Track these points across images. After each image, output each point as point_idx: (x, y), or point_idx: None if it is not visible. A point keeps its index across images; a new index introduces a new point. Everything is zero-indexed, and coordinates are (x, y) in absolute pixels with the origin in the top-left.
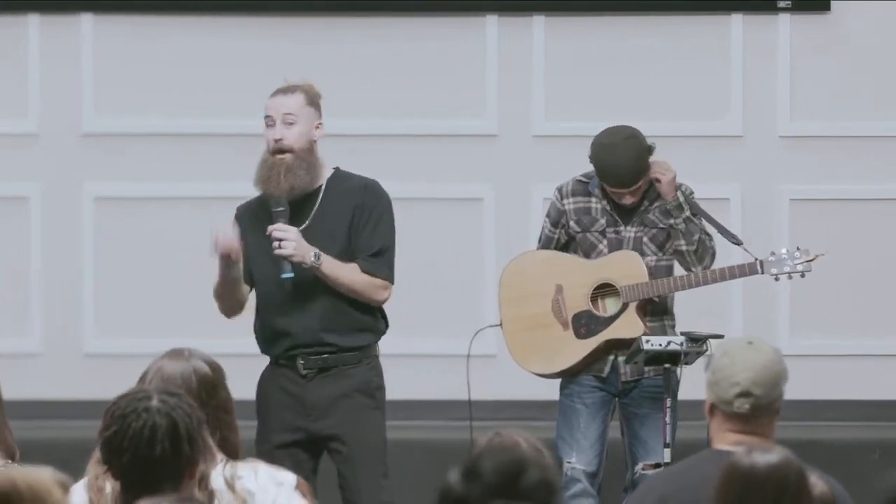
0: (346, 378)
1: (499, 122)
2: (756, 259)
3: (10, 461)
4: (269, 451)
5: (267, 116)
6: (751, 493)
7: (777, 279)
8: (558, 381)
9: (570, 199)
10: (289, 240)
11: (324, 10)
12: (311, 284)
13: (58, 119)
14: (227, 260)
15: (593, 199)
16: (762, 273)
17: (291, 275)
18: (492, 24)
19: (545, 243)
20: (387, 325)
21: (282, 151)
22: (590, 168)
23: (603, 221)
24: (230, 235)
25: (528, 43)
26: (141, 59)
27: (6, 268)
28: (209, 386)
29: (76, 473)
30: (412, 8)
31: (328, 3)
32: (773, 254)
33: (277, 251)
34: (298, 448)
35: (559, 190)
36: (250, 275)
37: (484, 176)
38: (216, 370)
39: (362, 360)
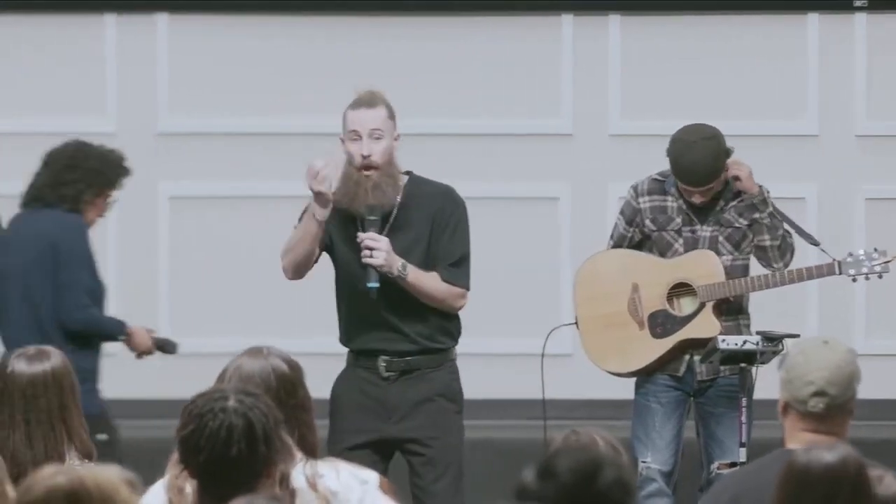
0: (427, 382)
1: (574, 121)
2: (833, 260)
3: (86, 461)
4: (341, 452)
5: (352, 131)
6: (804, 492)
7: (854, 280)
8: (633, 380)
9: (646, 198)
10: (380, 249)
11: (399, 10)
12: (395, 287)
13: (133, 118)
14: (321, 198)
15: (669, 198)
16: (839, 274)
17: (377, 285)
18: (567, 24)
19: (618, 241)
20: (461, 331)
21: (369, 168)
22: (666, 166)
23: (679, 220)
24: (329, 165)
25: (604, 42)
26: (216, 58)
27: None
28: (288, 384)
29: (154, 473)
30: (488, 7)
31: (404, 3)
32: (850, 254)
33: (367, 260)
34: (370, 450)
35: (634, 188)
36: (328, 245)
37: (560, 175)
38: (295, 368)
39: (443, 363)
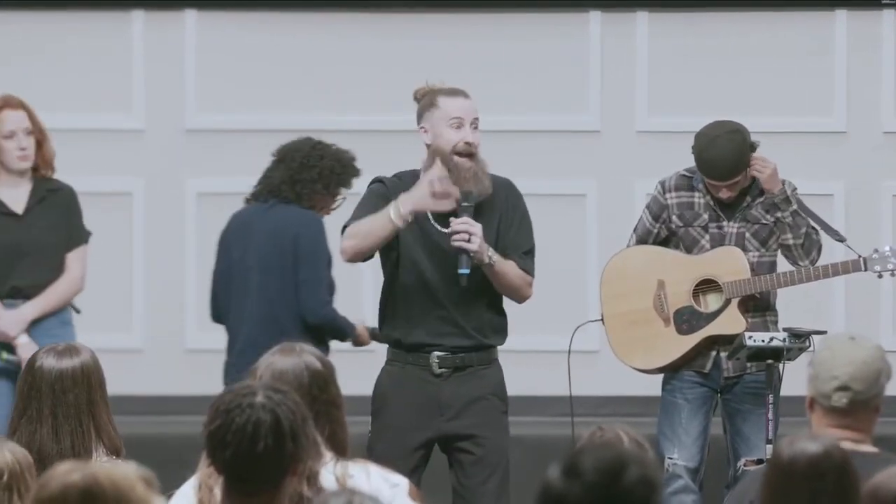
0: (480, 379)
1: (602, 117)
2: (859, 256)
3: (114, 457)
4: (400, 451)
5: (455, 118)
6: (790, 484)
7: (880, 276)
8: (659, 376)
9: (673, 194)
10: (476, 234)
11: (427, 7)
12: (457, 280)
13: (161, 115)
14: (440, 204)
15: (696, 195)
16: (865, 270)
17: (468, 271)
18: (595, 21)
19: (643, 236)
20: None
21: (471, 155)
22: (693, 163)
23: (706, 216)
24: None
25: (632, 39)
26: (243, 54)
27: (109, 263)
28: (321, 381)
29: (180, 468)
30: (516, 4)
31: (431, 0)
32: (876, 251)
33: (464, 245)
34: (426, 449)
35: (662, 184)
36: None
37: (587, 172)
38: (327, 366)
39: (493, 361)
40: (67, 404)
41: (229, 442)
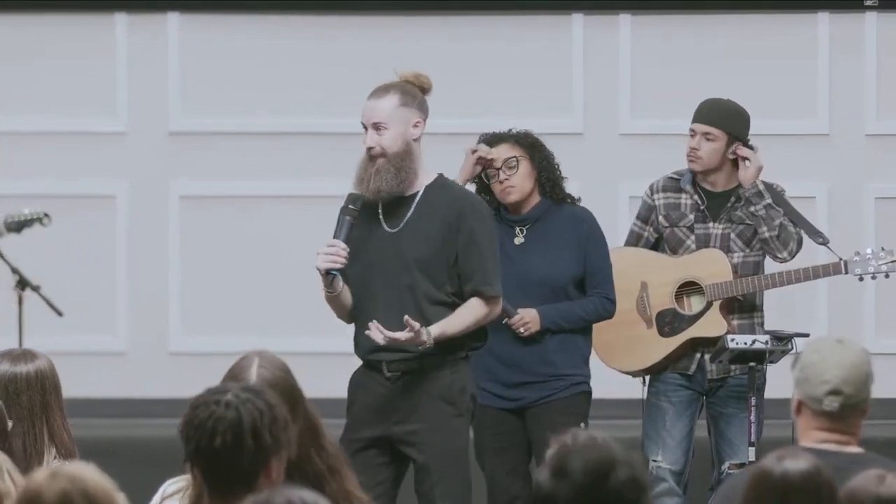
0: (429, 382)
1: (585, 120)
2: (840, 259)
3: (67, 461)
4: (350, 447)
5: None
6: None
7: (861, 279)
8: (640, 379)
9: (661, 195)
10: (400, 338)
11: (410, 10)
12: (392, 287)
13: (145, 118)
14: (324, 279)
15: (683, 196)
16: (846, 273)
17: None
18: (578, 23)
19: (630, 239)
20: (486, 336)
21: (373, 158)
22: (682, 166)
23: (691, 217)
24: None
25: (614, 41)
26: (227, 57)
27: (93, 266)
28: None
29: (162, 471)
30: (498, 7)
31: (414, 2)
32: (857, 254)
33: (390, 341)
34: (377, 450)
35: (650, 187)
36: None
37: (570, 174)
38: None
39: (446, 364)
40: (20, 406)
41: (191, 437)
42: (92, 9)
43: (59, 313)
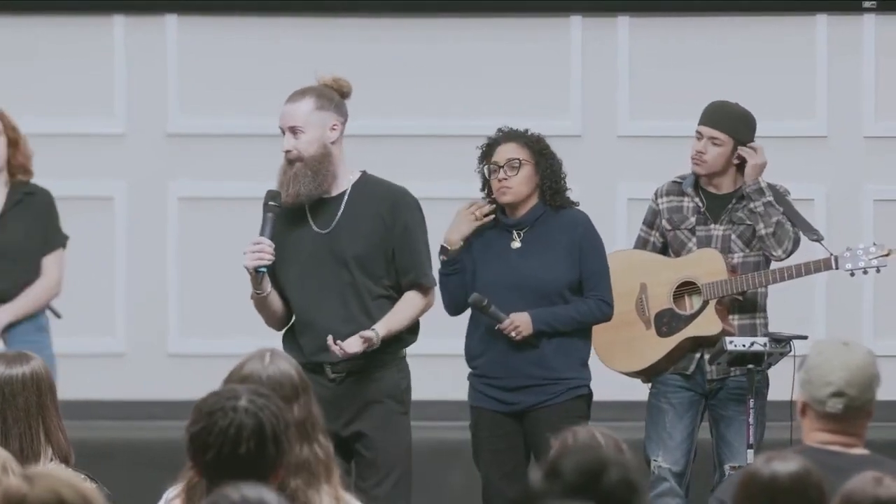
0: (374, 382)
1: (583, 122)
2: (831, 254)
3: (63, 463)
4: None
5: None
6: (774, 503)
7: (852, 275)
8: (639, 380)
9: (664, 199)
10: (359, 345)
11: (407, 11)
12: (332, 287)
13: (143, 119)
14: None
15: (685, 198)
16: (836, 268)
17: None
18: (576, 25)
19: (637, 245)
20: (415, 330)
21: (291, 162)
22: (680, 167)
23: (693, 219)
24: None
25: (613, 43)
26: (225, 59)
27: (91, 267)
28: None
29: (162, 473)
30: (497, 8)
31: (413, 3)
32: (848, 249)
33: (343, 351)
34: None
35: (655, 192)
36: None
37: (568, 176)
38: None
39: (389, 363)
40: (17, 408)
41: (211, 444)
42: (90, 10)
43: (58, 315)
